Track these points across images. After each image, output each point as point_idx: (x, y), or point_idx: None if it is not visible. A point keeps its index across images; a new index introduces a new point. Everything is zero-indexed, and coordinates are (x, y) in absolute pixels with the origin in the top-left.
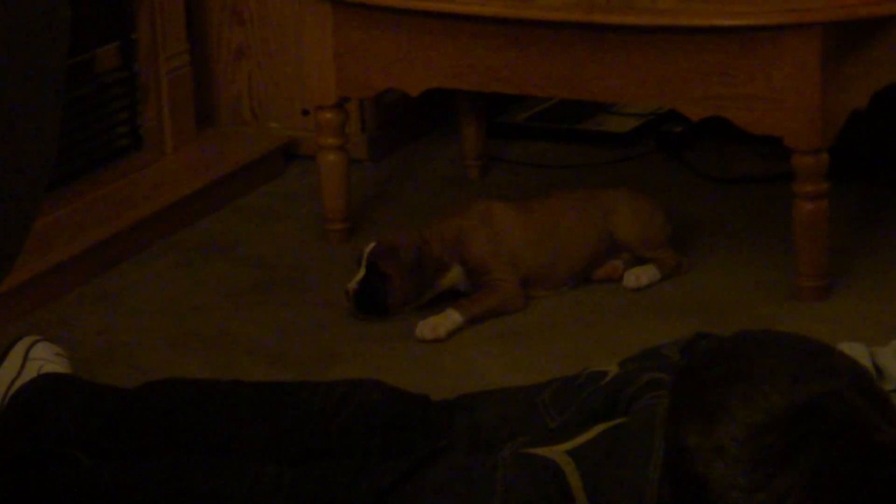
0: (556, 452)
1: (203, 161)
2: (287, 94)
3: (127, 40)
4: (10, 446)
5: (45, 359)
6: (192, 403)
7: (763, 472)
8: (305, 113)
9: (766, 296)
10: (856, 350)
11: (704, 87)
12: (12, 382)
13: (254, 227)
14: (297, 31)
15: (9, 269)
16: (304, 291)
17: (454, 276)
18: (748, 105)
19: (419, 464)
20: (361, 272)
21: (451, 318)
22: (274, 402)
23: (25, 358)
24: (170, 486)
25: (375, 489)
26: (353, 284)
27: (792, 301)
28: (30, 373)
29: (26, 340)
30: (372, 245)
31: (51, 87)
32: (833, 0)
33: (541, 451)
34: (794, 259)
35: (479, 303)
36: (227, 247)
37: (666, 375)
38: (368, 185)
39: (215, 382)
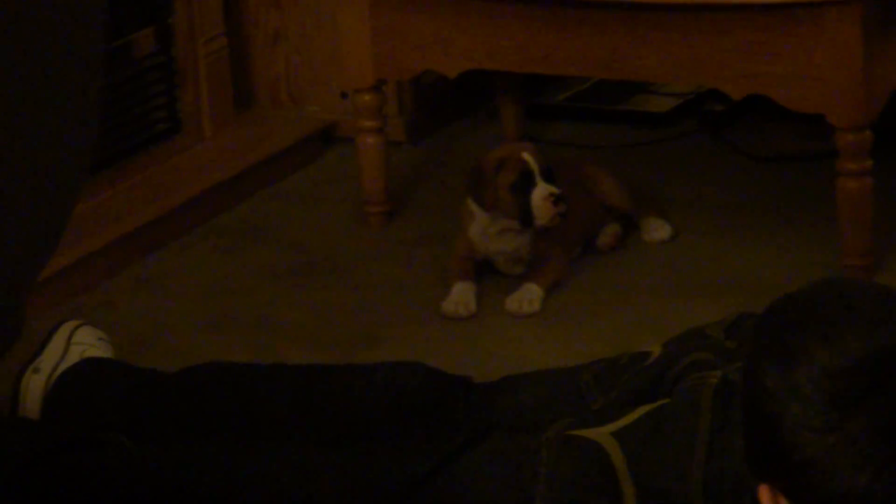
0: (601, 434)
1: (242, 145)
2: (324, 78)
3: (164, 24)
4: (54, 431)
5: (88, 343)
6: (233, 387)
7: (837, 413)
8: (344, 96)
9: (810, 275)
10: None
11: (745, 65)
12: (55, 367)
13: (293, 211)
14: (333, 14)
15: (51, 253)
16: (343, 274)
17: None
18: (790, 83)
19: (461, 447)
20: (540, 180)
21: (536, 291)
22: (315, 386)
23: (69, 342)
24: (214, 469)
25: (417, 472)
26: (556, 189)
27: None
28: (73, 357)
29: (69, 325)
30: (526, 153)
31: (91, 71)
32: None
33: (585, 432)
34: (838, 238)
35: (550, 273)
36: (267, 231)
37: (710, 355)
38: (407, 168)
39: (256, 366)
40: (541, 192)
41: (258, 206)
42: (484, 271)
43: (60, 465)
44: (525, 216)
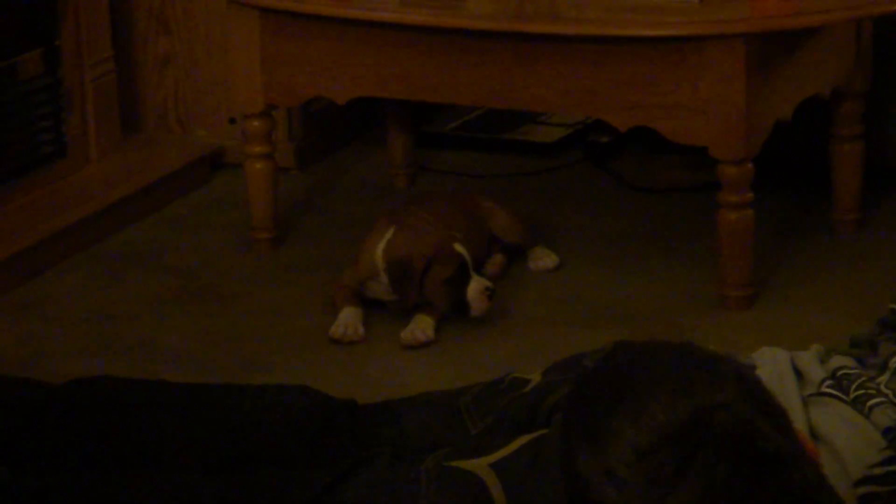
0: (479, 466)
1: (128, 169)
2: (213, 103)
3: (51, 47)
4: None
5: None
6: (116, 403)
7: (656, 492)
8: (232, 121)
9: (691, 305)
10: (777, 355)
11: (631, 96)
12: None
13: (179, 236)
14: (223, 40)
15: None
16: (230, 300)
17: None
18: (674, 115)
19: (343, 475)
20: (474, 274)
21: (428, 321)
22: (200, 406)
23: None
24: (85, 498)
25: (303, 498)
26: (488, 282)
27: (717, 310)
28: None
29: None
30: (459, 245)
31: None
32: (756, 12)
33: (464, 464)
34: (719, 268)
35: (437, 304)
36: (152, 256)
37: None
38: (296, 194)
39: (142, 381)
40: (477, 286)
41: (144, 231)
42: (368, 300)
43: None
44: (459, 308)
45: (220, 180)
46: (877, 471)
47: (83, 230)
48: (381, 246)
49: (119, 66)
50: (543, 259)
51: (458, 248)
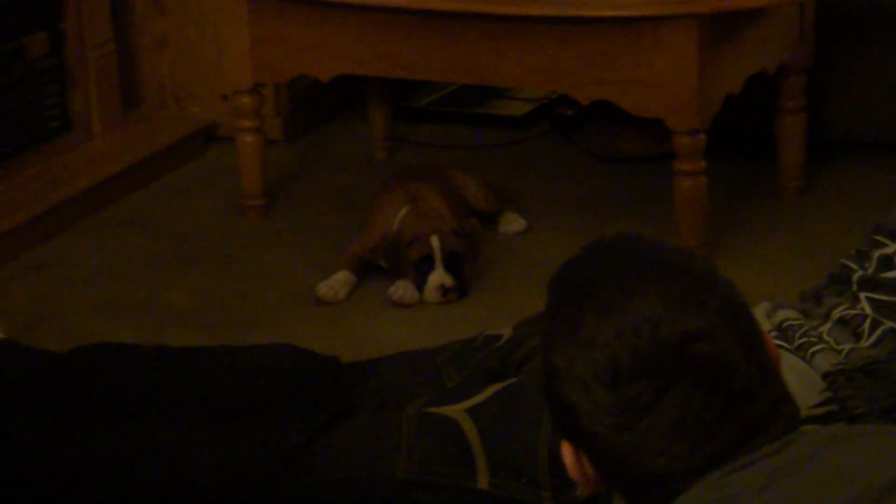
0: (456, 411)
1: (129, 142)
2: (206, 80)
3: (55, 29)
4: None
5: None
6: (119, 366)
7: (628, 416)
8: (224, 97)
9: None
10: None
11: (592, 73)
12: None
13: (176, 204)
14: (215, 22)
15: None
16: (223, 263)
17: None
18: (632, 90)
19: (329, 422)
20: (439, 267)
21: (411, 287)
22: (196, 366)
23: None
24: (101, 446)
25: (290, 445)
26: (448, 280)
27: None
28: None
29: None
30: (436, 238)
31: None
32: None
33: (442, 409)
34: (675, 231)
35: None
36: (152, 222)
37: None
38: (283, 165)
39: (141, 347)
40: (435, 279)
41: (144, 199)
42: (371, 264)
43: None
44: (419, 288)
45: (213, 152)
46: (818, 411)
47: (88, 198)
48: (396, 222)
49: (119, 47)
50: (513, 224)
51: (435, 240)
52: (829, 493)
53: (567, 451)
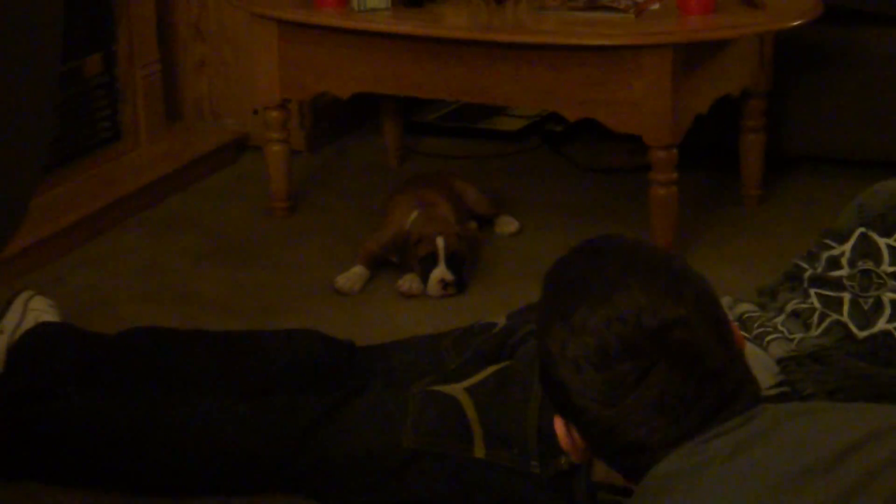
0: (456, 389)
1: (171, 151)
2: (240, 97)
3: (109, 51)
4: (15, 383)
5: (41, 309)
6: (161, 347)
7: (615, 393)
8: (255, 112)
9: None
10: None
11: (580, 93)
12: (16, 328)
13: (212, 205)
14: (248, 45)
15: (10, 239)
16: (253, 257)
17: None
18: (614, 109)
19: (344, 398)
20: (442, 264)
21: (418, 279)
22: (228, 348)
23: (25, 308)
24: (142, 417)
25: (309, 418)
26: (449, 276)
27: None
28: (30, 321)
29: (25, 294)
30: (441, 239)
31: (49, 84)
32: (682, 25)
33: (444, 388)
34: (650, 233)
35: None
36: (191, 221)
37: None
38: (306, 172)
39: (180, 331)
40: (437, 274)
41: (184, 200)
42: (383, 260)
43: (19, 413)
44: (424, 282)
45: (245, 160)
46: (773, 392)
47: (135, 200)
48: (407, 223)
49: (164, 67)
50: (508, 225)
51: (440, 241)
52: (789, 459)
53: (559, 425)
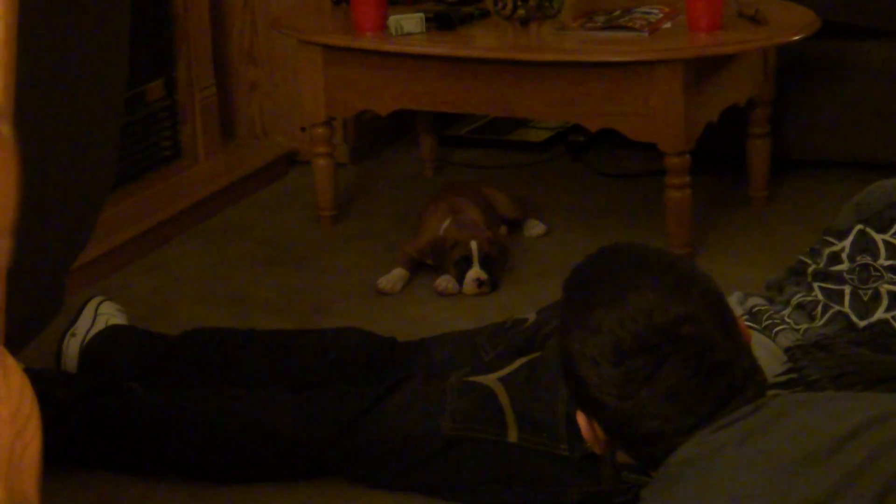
0: (490, 380)
1: (226, 166)
2: (288, 116)
3: (169, 77)
4: (87, 381)
5: (111, 313)
6: (220, 346)
7: (630, 387)
8: (303, 129)
9: None
10: None
11: (599, 106)
12: (87, 331)
13: (265, 215)
14: (295, 69)
15: (81, 249)
16: (302, 262)
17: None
18: (632, 119)
19: (387, 390)
20: (476, 265)
21: (454, 280)
22: (280, 345)
23: (96, 313)
24: (204, 409)
25: (356, 409)
26: (483, 275)
27: None
28: (100, 324)
29: (96, 299)
30: (474, 243)
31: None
32: (692, 42)
33: (479, 378)
34: (666, 233)
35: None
36: (245, 230)
37: None
38: (350, 183)
39: (236, 331)
40: (472, 274)
41: (239, 211)
42: (420, 263)
43: (92, 407)
44: (459, 282)
45: (294, 174)
46: (781, 378)
47: (194, 212)
48: (442, 229)
49: (219, 90)
50: (535, 228)
51: (473, 245)
52: (796, 444)
53: (582, 419)
